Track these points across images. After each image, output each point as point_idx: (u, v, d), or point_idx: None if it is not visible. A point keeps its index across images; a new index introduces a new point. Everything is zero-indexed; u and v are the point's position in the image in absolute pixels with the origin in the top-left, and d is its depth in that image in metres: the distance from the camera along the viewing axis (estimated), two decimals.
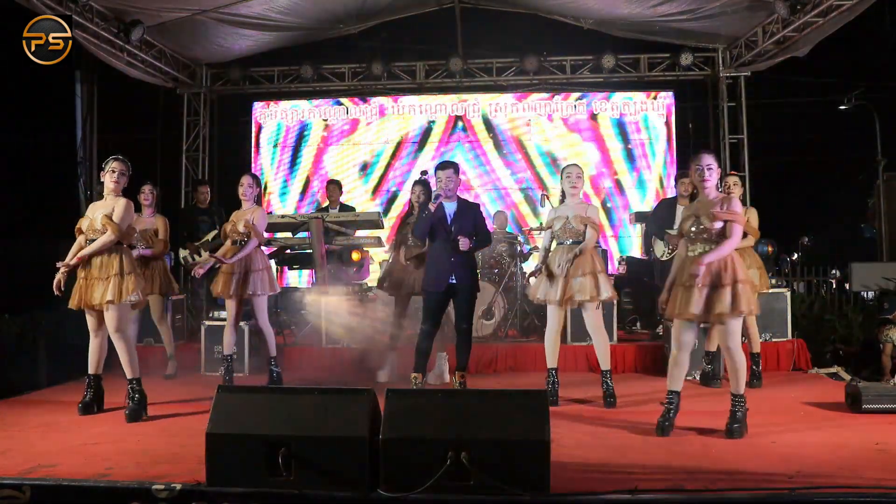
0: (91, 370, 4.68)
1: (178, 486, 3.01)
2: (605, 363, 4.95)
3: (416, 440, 2.93)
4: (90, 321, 4.59)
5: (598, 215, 5.03)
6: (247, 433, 3.00)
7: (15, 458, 3.59)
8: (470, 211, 5.09)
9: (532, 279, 5.21)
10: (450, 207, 5.01)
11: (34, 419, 4.53)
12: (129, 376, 4.58)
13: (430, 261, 5.11)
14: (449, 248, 4.92)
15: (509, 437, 2.90)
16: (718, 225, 3.96)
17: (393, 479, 2.90)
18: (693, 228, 4.05)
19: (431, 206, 4.95)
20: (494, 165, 9.99)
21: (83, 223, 4.56)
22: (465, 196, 5.66)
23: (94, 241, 4.48)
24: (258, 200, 5.65)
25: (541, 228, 8.16)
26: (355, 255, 7.08)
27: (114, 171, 4.54)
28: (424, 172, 6.01)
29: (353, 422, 2.98)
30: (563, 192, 5.02)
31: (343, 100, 10.22)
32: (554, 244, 5.01)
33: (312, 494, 2.91)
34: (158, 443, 3.92)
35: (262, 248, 5.72)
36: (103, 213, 4.48)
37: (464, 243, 4.87)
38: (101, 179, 4.61)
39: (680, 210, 6.76)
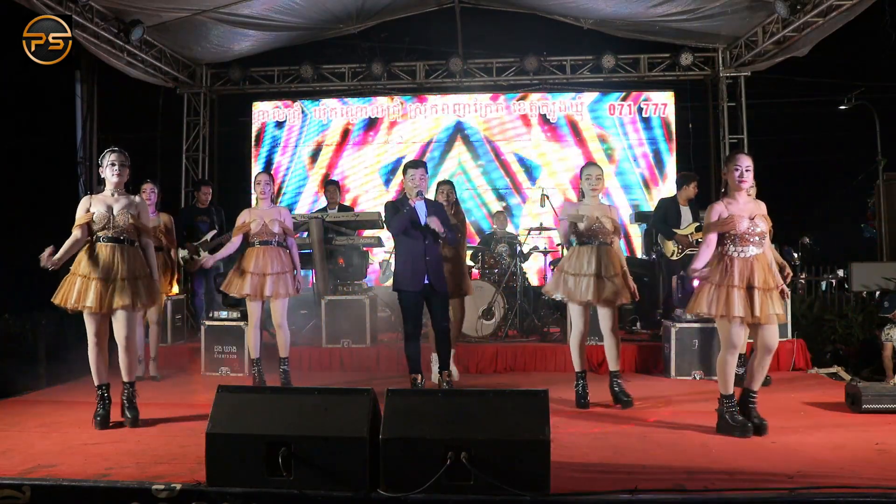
0: (101, 380, 4.34)
1: (178, 486, 3.01)
2: (616, 364, 4.91)
3: (416, 440, 2.93)
4: (95, 326, 4.26)
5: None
6: (247, 433, 3.00)
7: (15, 458, 3.59)
8: (438, 210, 5.16)
9: (549, 276, 5.15)
10: (421, 207, 5.05)
11: (34, 419, 4.53)
12: (128, 379, 4.36)
13: (403, 260, 5.13)
14: (422, 248, 4.96)
15: (509, 437, 2.90)
16: (765, 227, 4.07)
17: (393, 479, 2.90)
18: (749, 230, 4.02)
19: (411, 203, 4.98)
20: (490, 168, 10.00)
21: (96, 218, 4.23)
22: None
23: (113, 239, 4.23)
24: (274, 199, 5.63)
25: (540, 229, 8.21)
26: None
27: (114, 164, 4.28)
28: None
29: (353, 422, 2.98)
30: (581, 191, 4.96)
31: (347, 99, 10.22)
32: (573, 241, 4.93)
33: (312, 494, 2.91)
34: (158, 443, 3.92)
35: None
36: (124, 211, 4.26)
37: (434, 221, 4.90)
38: (101, 175, 4.36)
39: (684, 210, 6.78)
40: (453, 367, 5.79)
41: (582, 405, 4.85)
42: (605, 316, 4.86)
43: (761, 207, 4.12)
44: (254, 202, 5.57)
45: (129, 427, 4.27)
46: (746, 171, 4.04)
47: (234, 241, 5.45)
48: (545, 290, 5.17)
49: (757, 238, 4.02)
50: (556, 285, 4.91)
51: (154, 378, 6.00)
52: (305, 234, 7.20)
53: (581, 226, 4.82)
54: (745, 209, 4.06)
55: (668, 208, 6.73)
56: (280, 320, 5.44)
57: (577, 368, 4.96)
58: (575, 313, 4.90)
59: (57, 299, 4.19)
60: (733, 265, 4.00)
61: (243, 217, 5.45)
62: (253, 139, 10.31)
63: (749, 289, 3.96)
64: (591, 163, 5.16)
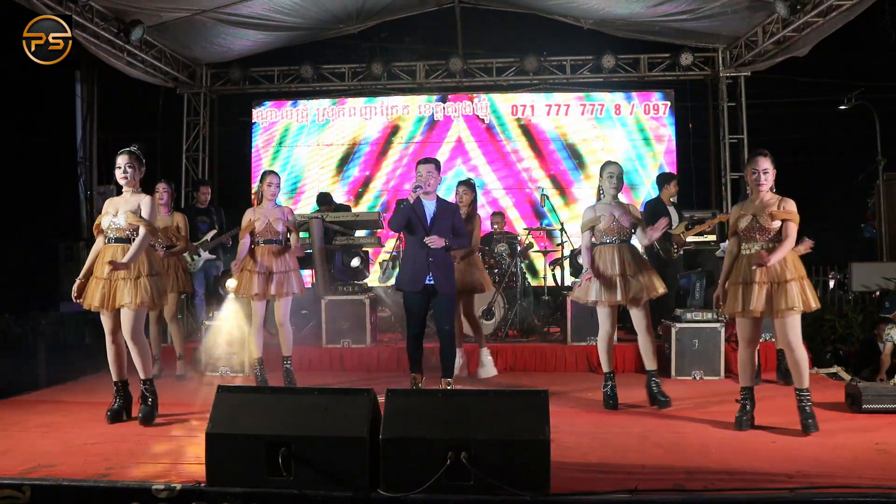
0: (117, 377, 4.47)
1: (178, 486, 3.01)
2: (652, 363, 4.82)
3: (416, 440, 2.93)
4: (107, 323, 4.37)
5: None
6: (247, 433, 3.00)
7: (15, 458, 3.59)
8: (448, 211, 5.00)
9: (583, 281, 4.87)
10: (429, 207, 4.93)
11: (34, 419, 4.52)
12: (143, 377, 4.43)
13: (406, 259, 5.08)
14: (426, 248, 4.85)
15: (509, 437, 2.91)
16: (776, 224, 4.11)
17: (393, 479, 2.90)
18: (749, 226, 4.15)
19: (410, 198, 4.82)
20: (495, 165, 10.00)
21: (103, 221, 4.35)
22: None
23: (119, 239, 4.29)
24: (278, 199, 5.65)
25: (539, 229, 8.22)
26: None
27: (119, 167, 4.33)
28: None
29: (353, 422, 2.99)
30: (599, 189, 4.91)
31: (346, 99, 10.22)
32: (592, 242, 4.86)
33: (312, 494, 2.92)
34: (158, 443, 3.93)
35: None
36: (127, 210, 4.28)
37: (434, 241, 4.80)
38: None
39: (672, 210, 6.81)
40: (488, 359, 5.98)
41: (610, 406, 4.76)
42: (636, 315, 4.79)
43: (777, 204, 4.19)
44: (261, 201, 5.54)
45: (140, 424, 4.33)
46: (764, 173, 4.21)
47: (245, 242, 5.42)
48: (574, 296, 5.06)
49: (761, 235, 4.15)
50: (585, 291, 4.82)
51: (179, 377, 6.01)
52: (305, 234, 7.20)
53: (601, 225, 4.78)
54: (754, 207, 4.22)
55: (658, 208, 6.75)
56: (283, 319, 5.44)
57: (605, 369, 4.88)
58: (602, 315, 4.81)
59: (85, 304, 4.32)
60: (742, 262, 4.20)
61: (248, 216, 5.45)
62: (253, 139, 10.29)
63: (750, 284, 4.09)
64: (611, 161, 5.05)
